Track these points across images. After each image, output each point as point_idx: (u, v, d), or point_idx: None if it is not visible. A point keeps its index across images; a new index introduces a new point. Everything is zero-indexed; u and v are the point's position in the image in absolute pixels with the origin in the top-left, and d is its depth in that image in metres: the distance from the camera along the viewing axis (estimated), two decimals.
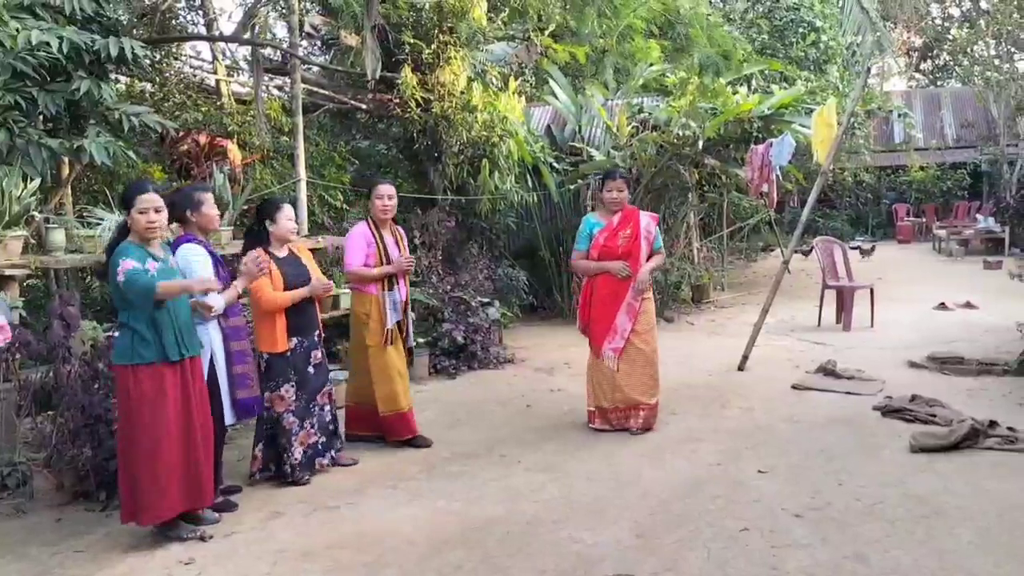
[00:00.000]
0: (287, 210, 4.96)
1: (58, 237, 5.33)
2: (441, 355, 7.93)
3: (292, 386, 4.90)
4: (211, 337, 4.43)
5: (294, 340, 4.91)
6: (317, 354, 5.09)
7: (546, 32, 11.00)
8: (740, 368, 7.63)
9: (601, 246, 5.73)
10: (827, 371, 7.18)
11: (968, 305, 10.64)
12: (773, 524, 4.12)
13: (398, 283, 5.57)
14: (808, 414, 6.08)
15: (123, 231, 4.06)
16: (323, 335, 5.25)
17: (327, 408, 5.17)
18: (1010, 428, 5.29)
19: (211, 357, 4.42)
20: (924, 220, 22.26)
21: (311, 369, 5.03)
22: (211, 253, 4.51)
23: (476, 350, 8.02)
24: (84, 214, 5.78)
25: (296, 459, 4.92)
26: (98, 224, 5.52)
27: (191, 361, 4.12)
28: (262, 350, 4.87)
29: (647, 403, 5.72)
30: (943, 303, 10.70)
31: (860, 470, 4.84)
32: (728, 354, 7.95)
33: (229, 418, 4.55)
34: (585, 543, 3.98)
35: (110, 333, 4.95)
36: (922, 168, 22.74)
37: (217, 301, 4.21)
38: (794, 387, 6.88)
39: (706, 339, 9.29)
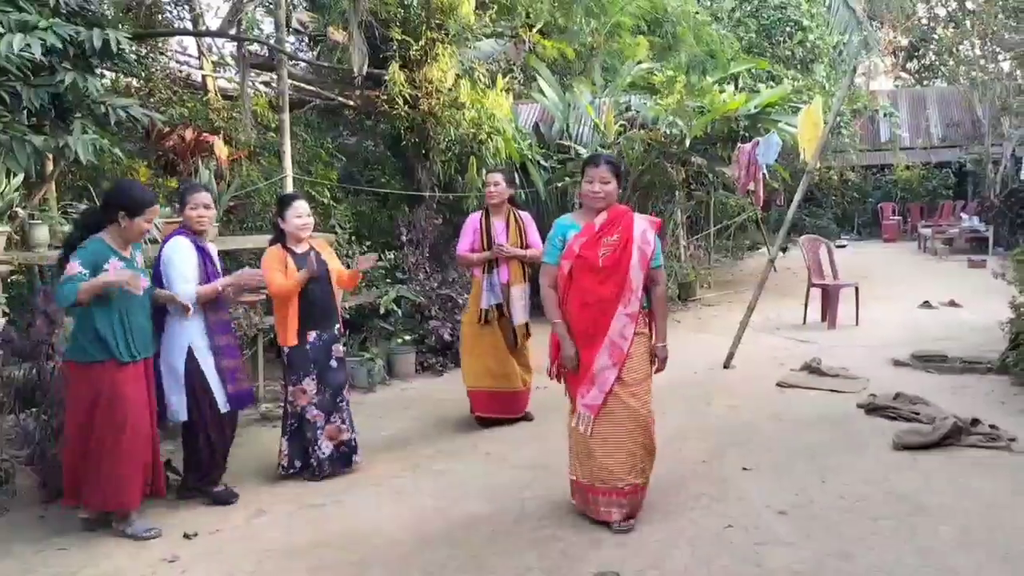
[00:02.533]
0: (296, 207, 4.93)
1: (42, 233, 5.29)
2: (428, 352, 7.93)
3: (313, 379, 4.92)
4: (191, 332, 4.49)
5: (312, 333, 4.92)
6: (339, 348, 5.09)
7: (534, 29, 11.00)
8: (726, 366, 7.66)
9: (577, 257, 4.07)
10: (812, 369, 7.22)
11: (952, 304, 10.71)
12: (757, 521, 4.14)
13: (499, 268, 5.86)
14: (793, 412, 6.11)
15: (92, 217, 4.24)
16: (343, 329, 5.26)
17: (350, 404, 5.18)
18: (992, 426, 5.34)
19: (189, 349, 4.48)
20: (909, 219, 22.39)
21: (333, 363, 5.02)
22: (199, 248, 4.56)
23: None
24: (68, 210, 5.74)
25: (324, 453, 4.93)
26: None
27: (145, 362, 4.23)
28: (280, 344, 4.94)
29: (632, 483, 4.09)
30: (927, 302, 10.77)
31: (844, 468, 4.87)
32: (714, 352, 7.98)
33: (223, 405, 4.59)
34: (570, 541, 3.98)
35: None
36: (908, 167, 22.88)
37: (188, 297, 4.36)
38: (779, 385, 6.91)
39: (692, 337, 9.32)
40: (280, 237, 4.95)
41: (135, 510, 4.20)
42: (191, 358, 4.48)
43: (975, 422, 5.35)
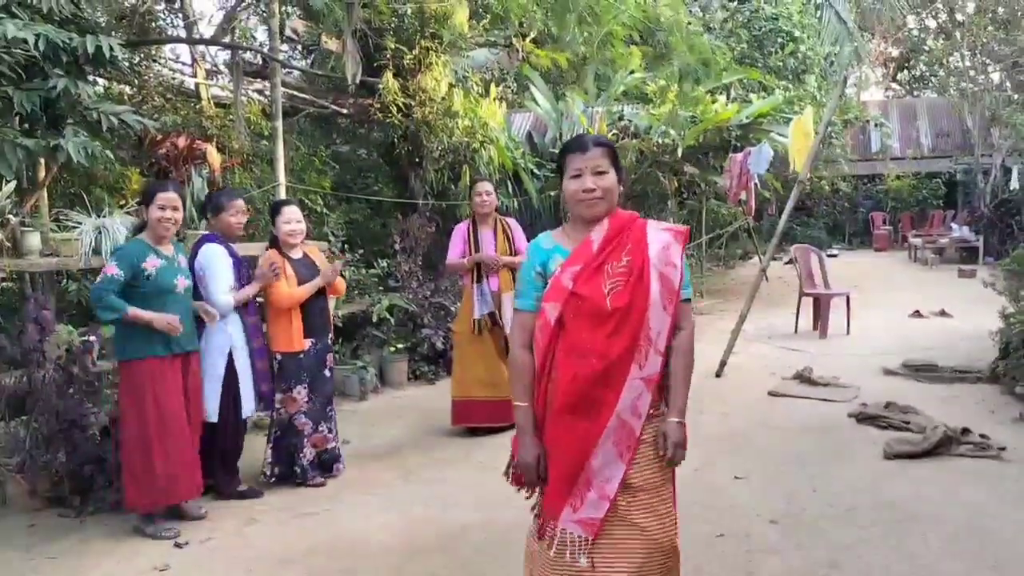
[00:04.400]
0: (286, 213, 4.99)
1: (33, 240, 5.27)
2: (420, 361, 7.93)
3: (305, 387, 4.95)
4: (231, 333, 4.62)
5: (308, 341, 4.96)
6: (330, 357, 5.14)
7: (527, 38, 11.05)
8: (718, 374, 7.68)
9: (571, 296, 2.57)
10: (803, 378, 7.24)
11: (943, 313, 10.76)
12: (748, 529, 4.15)
13: (488, 277, 5.85)
14: (784, 420, 6.13)
15: (141, 228, 4.36)
16: (333, 338, 5.33)
17: (336, 413, 5.25)
18: (982, 435, 5.36)
19: (230, 352, 4.60)
20: (900, 229, 22.49)
21: (326, 372, 5.08)
22: (233, 254, 4.72)
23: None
24: (60, 217, 5.72)
25: (308, 459, 4.96)
26: (75, 228, 5.46)
27: (187, 357, 4.34)
28: (276, 350, 4.94)
29: None
30: (918, 311, 10.81)
31: (835, 476, 4.88)
32: (706, 360, 7.98)
33: (247, 410, 4.72)
34: None
35: (85, 337, 4.94)
36: (898, 177, 22.98)
37: (227, 307, 4.52)
38: (771, 394, 6.93)
39: None
40: (275, 244, 5.01)
41: (181, 503, 4.37)
42: (231, 360, 4.60)
43: (965, 431, 5.37)
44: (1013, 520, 4.16)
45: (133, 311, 4.05)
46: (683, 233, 2.70)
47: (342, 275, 5.38)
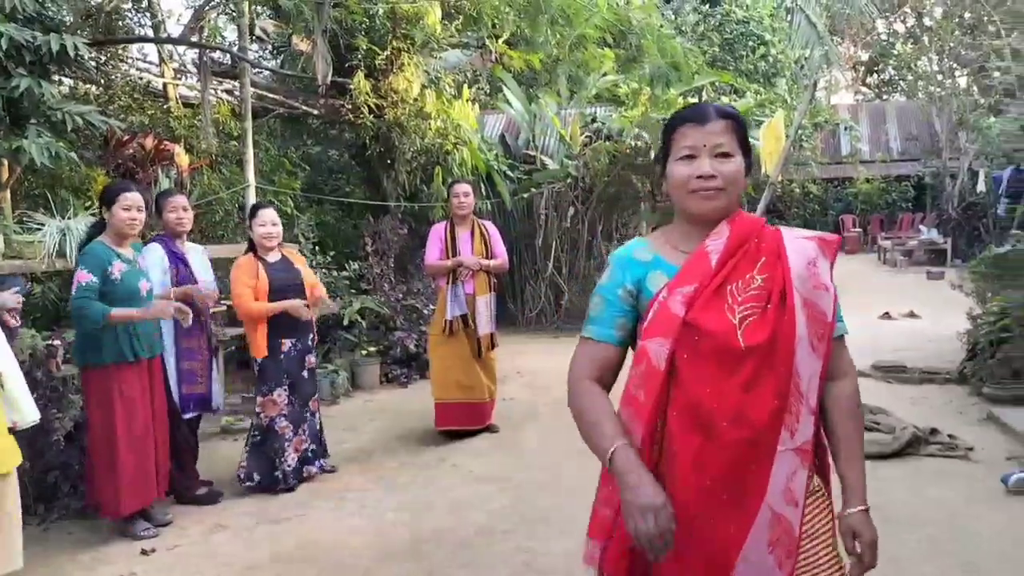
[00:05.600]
0: (261, 216, 4.96)
1: None
2: (393, 364, 7.87)
3: (285, 390, 4.91)
4: (163, 334, 4.58)
5: (287, 342, 4.92)
6: (311, 359, 5.11)
7: (500, 40, 11.02)
8: None
9: (683, 327, 1.78)
10: None
11: (912, 315, 10.88)
12: None
13: (464, 280, 5.79)
14: None
15: (97, 229, 4.27)
16: (315, 338, 5.29)
17: (316, 416, 5.19)
18: (951, 435, 5.41)
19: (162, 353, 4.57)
20: (870, 231, 22.75)
21: (305, 374, 5.04)
22: (174, 253, 4.73)
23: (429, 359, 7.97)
24: (24, 219, 5.61)
25: (290, 465, 4.91)
26: (38, 229, 5.36)
27: (151, 361, 4.30)
28: (252, 355, 4.94)
29: None
30: (887, 312, 10.92)
31: None
32: None
33: (185, 412, 4.69)
34: (535, 553, 3.96)
35: (49, 341, 4.84)
36: (868, 180, 23.23)
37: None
38: None
39: None
40: (253, 246, 4.98)
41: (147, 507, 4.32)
42: (162, 362, 4.56)
43: (934, 432, 5.43)
44: (983, 519, 4.20)
45: (115, 312, 3.98)
46: (832, 243, 1.90)
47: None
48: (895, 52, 25.60)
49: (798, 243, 1.86)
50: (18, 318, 4.00)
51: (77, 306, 3.97)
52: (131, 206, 4.16)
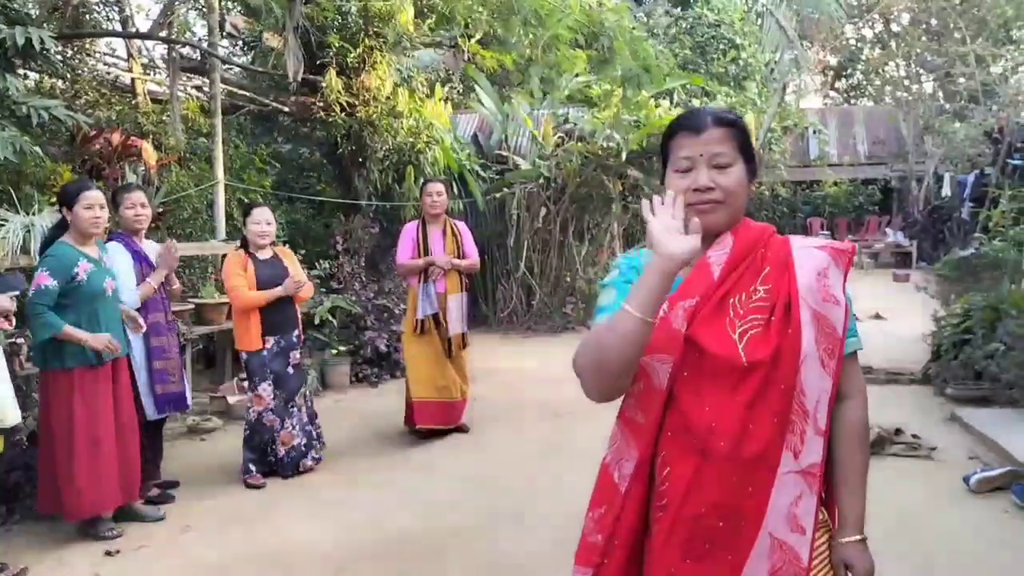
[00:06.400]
0: (255, 214, 5.14)
1: None
2: (363, 363, 7.83)
3: (270, 385, 5.06)
4: (131, 333, 4.52)
5: (271, 339, 5.06)
6: (296, 354, 5.22)
7: (473, 39, 11.02)
8: None
9: (686, 342, 1.68)
10: None
11: (877, 316, 11.02)
12: None
13: (436, 278, 5.80)
14: None
15: (60, 228, 4.21)
16: (303, 335, 5.36)
17: (304, 409, 5.27)
18: (914, 435, 5.49)
19: (128, 354, 4.49)
20: (837, 234, 23.01)
21: (290, 369, 5.16)
22: (134, 250, 4.63)
23: (399, 358, 7.94)
24: None
25: (279, 455, 5.07)
26: (1, 225, 5.28)
27: (117, 361, 4.23)
28: (239, 349, 5.08)
29: None
30: (853, 314, 11.03)
31: None
32: None
33: (151, 413, 4.63)
34: (505, 552, 3.96)
35: (12, 339, 4.76)
36: (836, 183, 23.50)
37: (133, 303, 4.44)
38: None
39: None
40: (245, 244, 5.15)
41: (109, 512, 4.23)
42: (128, 361, 4.49)
43: (898, 432, 5.50)
44: (945, 518, 4.27)
45: (67, 330, 3.92)
46: (846, 253, 1.78)
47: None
48: (863, 57, 25.93)
49: (808, 252, 1.75)
50: (12, 320, 3.91)
51: (33, 312, 3.92)
52: (93, 204, 4.10)
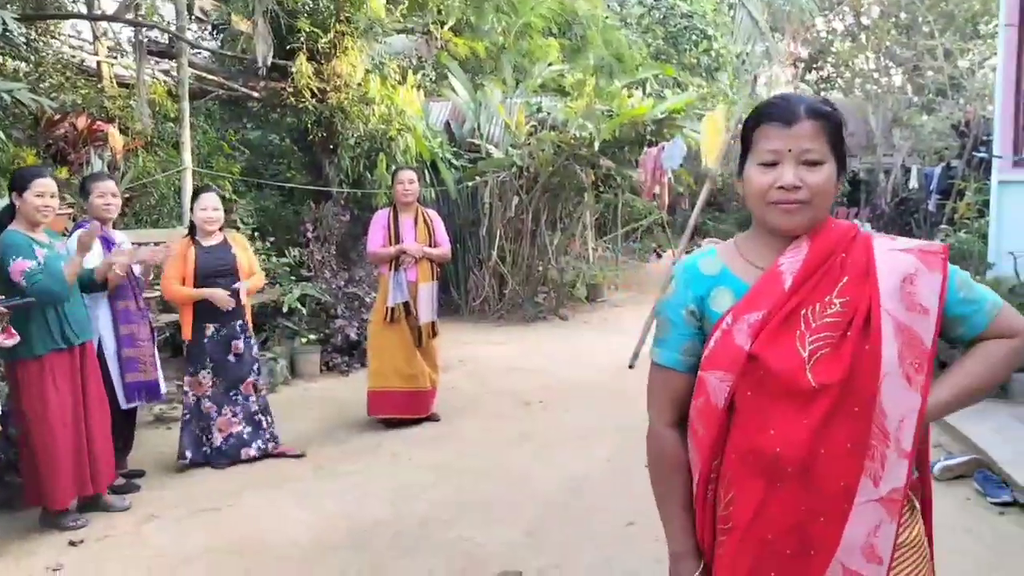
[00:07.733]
0: (203, 199, 5.08)
1: None
2: (333, 352, 7.78)
3: (208, 372, 5.05)
4: (100, 321, 4.51)
5: (211, 327, 5.04)
6: (239, 344, 5.14)
7: (446, 26, 10.95)
8: (630, 366, 7.77)
9: (748, 361, 1.56)
10: None
11: None
12: (657, 519, 4.18)
13: (407, 266, 5.76)
14: None
15: (8, 216, 4.13)
16: (247, 324, 5.25)
17: (252, 399, 5.21)
18: None
19: (99, 340, 4.48)
20: None
21: (231, 358, 5.11)
22: (103, 238, 4.58)
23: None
24: None
25: (215, 444, 5.05)
26: None
27: (83, 346, 4.20)
28: (183, 336, 5.09)
29: None
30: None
31: None
32: (620, 352, 8.08)
33: (123, 401, 4.61)
34: (475, 542, 3.96)
35: None
36: None
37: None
38: None
39: (599, 337, 9.41)
40: (193, 229, 5.08)
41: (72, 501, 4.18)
42: (99, 349, 4.47)
43: None
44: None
45: (68, 266, 3.99)
46: (938, 254, 1.60)
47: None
48: (833, 50, 26.14)
49: (892, 256, 1.60)
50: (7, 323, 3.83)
51: (38, 289, 3.83)
52: (44, 192, 4.02)
